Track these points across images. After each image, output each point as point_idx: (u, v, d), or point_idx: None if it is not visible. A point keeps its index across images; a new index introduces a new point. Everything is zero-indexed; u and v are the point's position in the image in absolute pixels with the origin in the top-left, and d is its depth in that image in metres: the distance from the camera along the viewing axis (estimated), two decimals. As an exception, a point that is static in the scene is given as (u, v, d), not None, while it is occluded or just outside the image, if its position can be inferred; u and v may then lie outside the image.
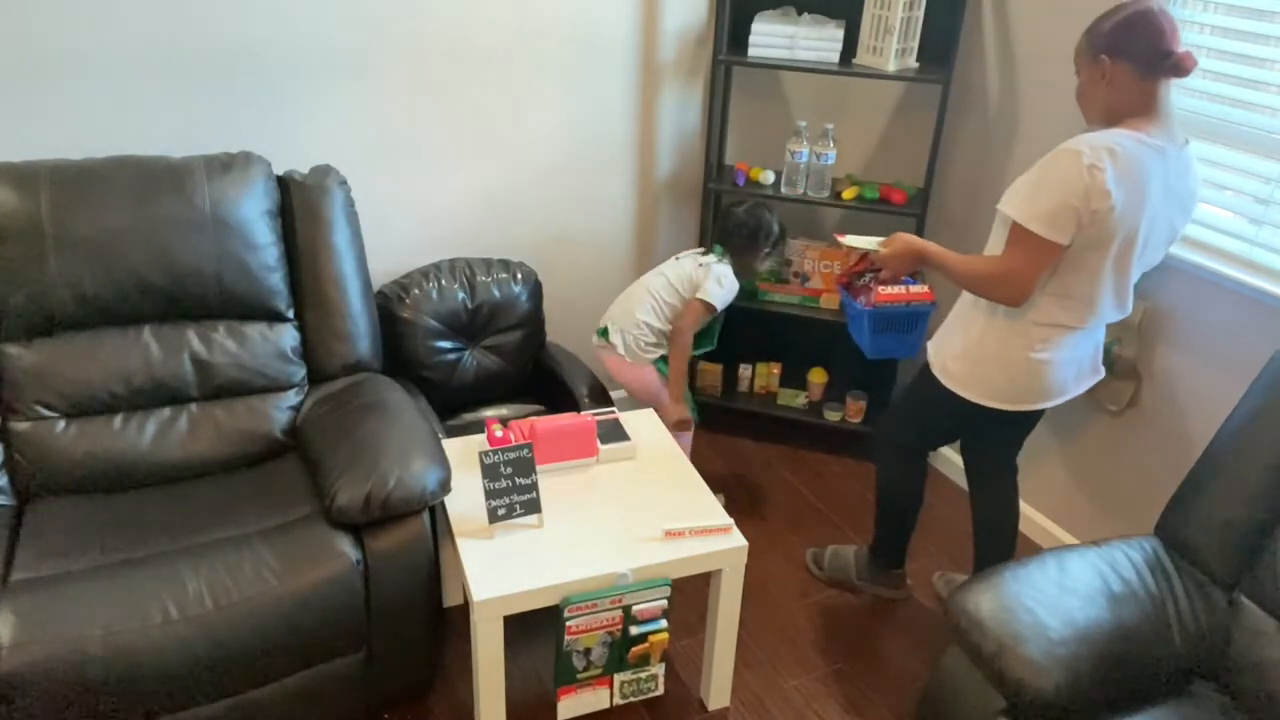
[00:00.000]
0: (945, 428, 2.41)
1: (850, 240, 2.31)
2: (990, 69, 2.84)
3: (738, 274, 2.74)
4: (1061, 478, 2.83)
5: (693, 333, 2.66)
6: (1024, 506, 2.97)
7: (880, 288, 2.23)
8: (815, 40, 2.84)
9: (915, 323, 2.30)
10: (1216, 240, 2.31)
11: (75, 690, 1.70)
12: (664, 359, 2.74)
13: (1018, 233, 1.94)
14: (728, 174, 3.16)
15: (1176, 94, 2.39)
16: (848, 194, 2.97)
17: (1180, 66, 1.88)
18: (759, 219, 2.76)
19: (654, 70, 3.01)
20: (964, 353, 2.17)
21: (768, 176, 3.08)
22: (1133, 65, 1.90)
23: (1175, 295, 2.39)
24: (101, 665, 1.71)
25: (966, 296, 2.20)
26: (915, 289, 2.25)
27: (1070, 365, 2.12)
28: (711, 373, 3.32)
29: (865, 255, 2.29)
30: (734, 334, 3.36)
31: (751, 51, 2.91)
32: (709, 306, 2.64)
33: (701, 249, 2.82)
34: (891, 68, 2.78)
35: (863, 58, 2.86)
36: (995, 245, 2.06)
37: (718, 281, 2.65)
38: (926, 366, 2.26)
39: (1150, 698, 1.76)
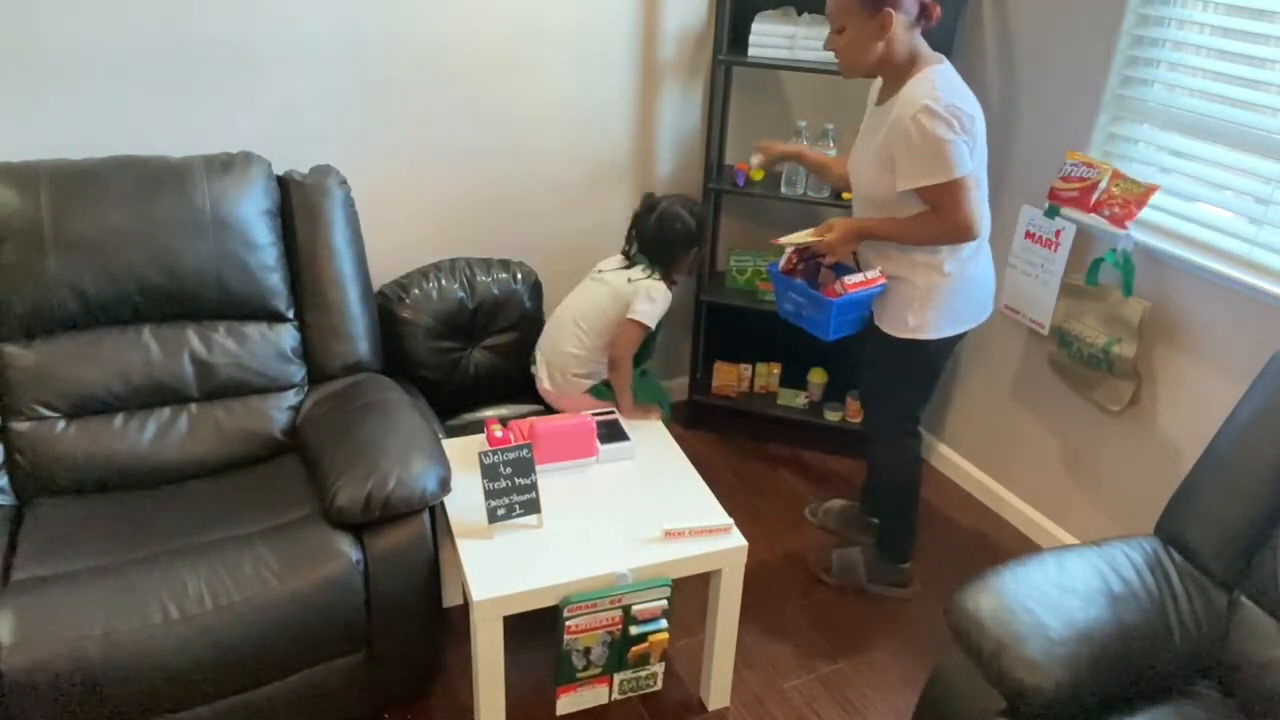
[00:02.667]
0: (929, 380, 2.47)
1: (789, 239, 2.39)
2: (990, 68, 2.84)
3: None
4: (1061, 478, 2.83)
5: (631, 354, 2.50)
6: (1024, 506, 2.98)
7: (848, 278, 2.28)
8: (815, 40, 2.83)
9: (869, 304, 2.36)
10: (1216, 240, 2.31)
11: (75, 690, 1.70)
12: (604, 384, 2.58)
13: (938, 191, 2.08)
14: (728, 174, 3.16)
15: (1176, 95, 2.40)
16: (848, 194, 2.96)
17: (932, 14, 2.10)
18: (699, 217, 2.55)
19: (654, 70, 3.01)
20: (917, 304, 2.25)
21: (768, 176, 3.08)
22: (905, 16, 2.08)
23: (1175, 295, 2.39)
24: (101, 665, 1.71)
25: (885, 264, 2.28)
26: (871, 275, 2.31)
27: (988, 276, 2.34)
28: (728, 373, 3.34)
29: (807, 247, 2.37)
30: (734, 334, 3.36)
31: (751, 51, 2.90)
32: (643, 326, 2.48)
33: (624, 261, 2.57)
34: (891, 67, 2.77)
35: (863, 58, 2.85)
36: (906, 212, 2.19)
37: (649, 298, 2.46)
38: (889, 344, 2.31)
39: (1150, 698, 1.76)
